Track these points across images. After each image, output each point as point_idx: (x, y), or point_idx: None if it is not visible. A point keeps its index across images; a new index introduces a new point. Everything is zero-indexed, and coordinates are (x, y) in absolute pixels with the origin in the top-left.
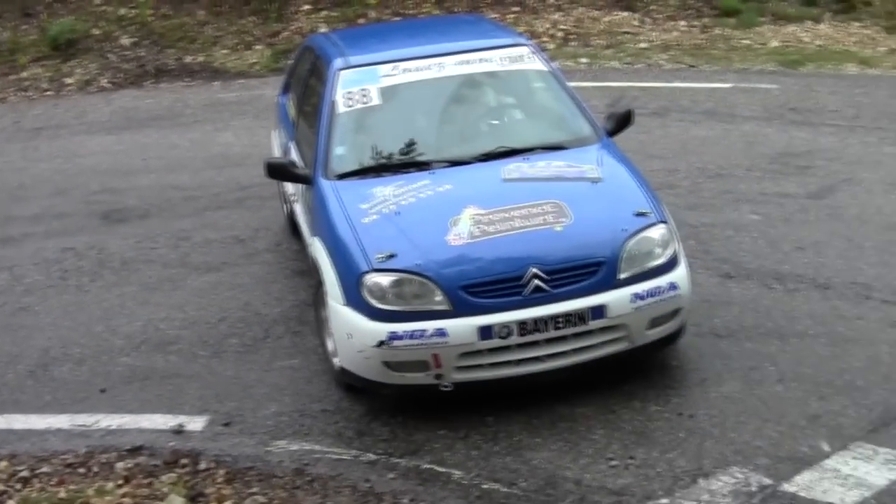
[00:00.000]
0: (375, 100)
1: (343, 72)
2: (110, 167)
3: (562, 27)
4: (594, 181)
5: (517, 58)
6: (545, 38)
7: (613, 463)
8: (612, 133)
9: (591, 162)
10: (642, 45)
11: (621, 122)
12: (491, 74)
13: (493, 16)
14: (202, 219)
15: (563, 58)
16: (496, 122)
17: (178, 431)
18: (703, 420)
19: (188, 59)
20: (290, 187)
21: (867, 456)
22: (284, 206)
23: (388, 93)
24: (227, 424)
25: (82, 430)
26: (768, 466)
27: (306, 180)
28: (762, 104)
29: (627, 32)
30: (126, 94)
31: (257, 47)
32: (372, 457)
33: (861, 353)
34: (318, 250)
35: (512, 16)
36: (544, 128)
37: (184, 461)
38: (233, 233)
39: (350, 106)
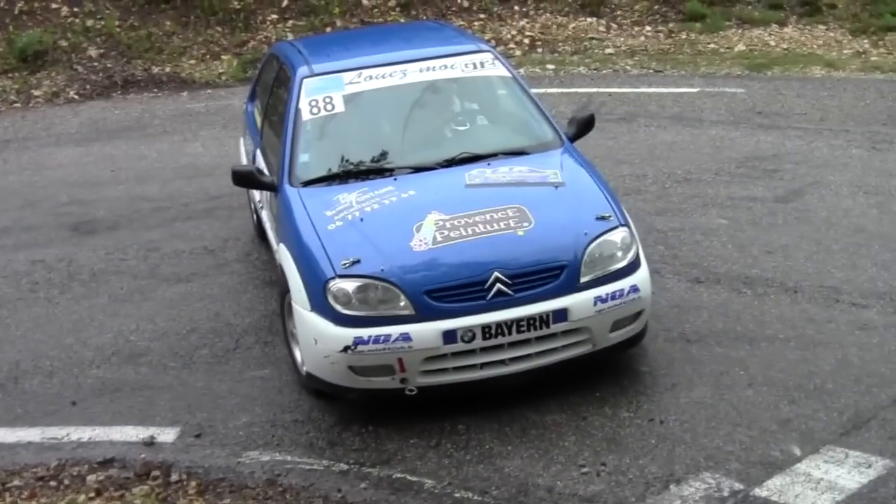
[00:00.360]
0: (340, 107)
1: (307, 80)
2: (79, 179)
3: (528, 34)
4: (556, 186)
5: (480, 64)
6: (512, 45)
7: (585, 470)
8: (575, 138)
9: (554, 167)
10: (609, 50)
11: (583, 126)
12: (454, 81)
13: (460, 23)
14: (171, 230)
15: (530, 64)
16: (459, 127)
17: (150, 443)
18: (674, 426)
19: (156, 69)
20: (257, 194)
21: (838, 459)
22: (253, 214)
23: (352, 100)
24: (198, 436)
25: (53, 443)
26: (740, 471)
27: (272, 188)
28: (729, 108)
29: (594, 38)
30: (94, 105)
31: (225, 57)
32: (344, 467)
33: (831, 356)
34: (284, 257)
35: (478, 23)
36: (507, 133)
37: (155, 473)
38: (202, 243)
39: (315, 113)
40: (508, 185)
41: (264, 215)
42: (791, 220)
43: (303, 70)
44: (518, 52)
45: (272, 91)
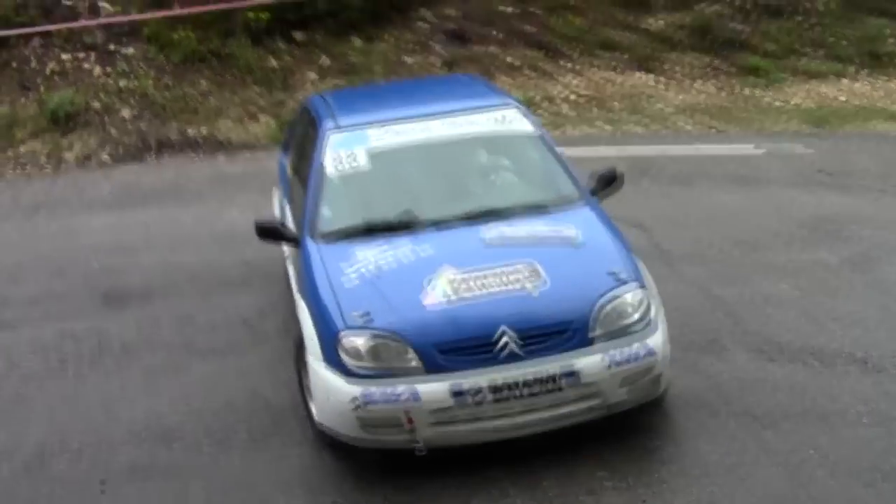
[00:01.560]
0: (363, 162)
1: (333, 134)
2: (111, 246)
3: (579, 92)
4: (573, 243)
5: (505, 119)
6: (562, 104)
7: None
8: (598, 194)
9: (572, 224)
10: (664, 108)
11: (606, 182)
12: (478, 136)
13: (506, 80)
14: (207, 300)
15: (582, 123)
16: (481, 183)
17: None
18: None
19: (191, 131)
20: (286, 247)
21: None
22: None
23: (375, 155)
24: None
25: None
26: None
27: (294, 241)
28: (792, 167)
29: (648, 95)
30: (127, 168)
31: (262, 118)
32: None
33: None
34: (302, 309)
35: (525, 80)
36: (528, 189)
37: None
38: (239, 315)
39: (339, 168)
40: (525, 242)
41: (290, 269)
42: (860, 286)
43: (329, 124)
44: (569, 111)
45: (301, 143)
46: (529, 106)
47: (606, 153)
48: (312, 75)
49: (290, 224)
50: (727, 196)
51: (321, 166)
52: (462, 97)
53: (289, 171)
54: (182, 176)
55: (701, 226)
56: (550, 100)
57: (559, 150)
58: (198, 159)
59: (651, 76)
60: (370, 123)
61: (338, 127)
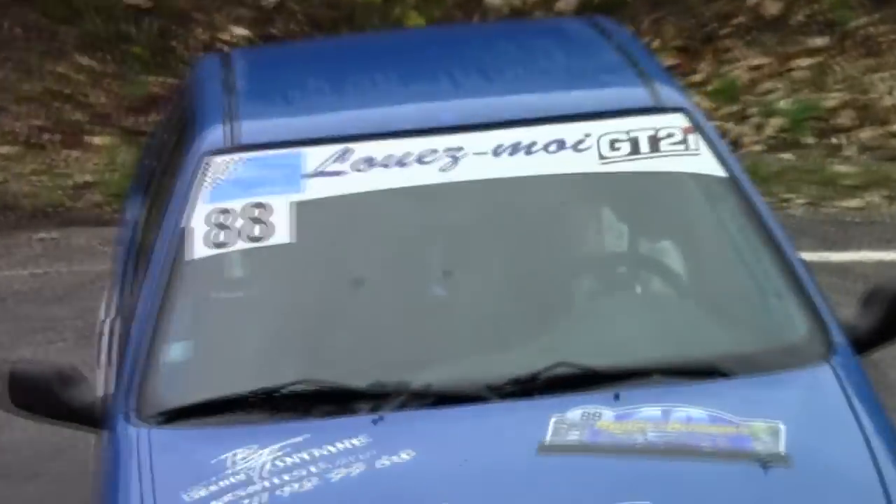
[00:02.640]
0: (282, 233)
1: (216, 158)
2: None
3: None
4: (768, 462)
5: (650, 143)
6: (855, 132)
7: None
8: (871, 343)
9: (778, 413)
10: None
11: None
12: (577, 181)
13: (733, 64)
14: None
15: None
16: (564, 300)
17: None
18: None
19: None
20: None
21: None
22: None
23: (314, 217)
24: None
25: None
26: None
27: (91, 420)
28: None
29: None
30: None
31: (99, 139)
32: None
33: None
34: None
35: (759, 62)
36: (684, 322)
37: None
38: None
39: (219, 243)
40: (644, 454)
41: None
42: None
43: (211, 135)
44: (849, 151)
45: (161, 173)
46: (792, 129)
47: None
48: (237, 29)
49: (105, 377)
50: None
51: (178, 235)
52: (557, 77)
53: (136, 233)
54: None
55: None
56: (827, 119)
57: (777, 226)
58: None
59: None
60: (313, 138)
61: (231, 143)
